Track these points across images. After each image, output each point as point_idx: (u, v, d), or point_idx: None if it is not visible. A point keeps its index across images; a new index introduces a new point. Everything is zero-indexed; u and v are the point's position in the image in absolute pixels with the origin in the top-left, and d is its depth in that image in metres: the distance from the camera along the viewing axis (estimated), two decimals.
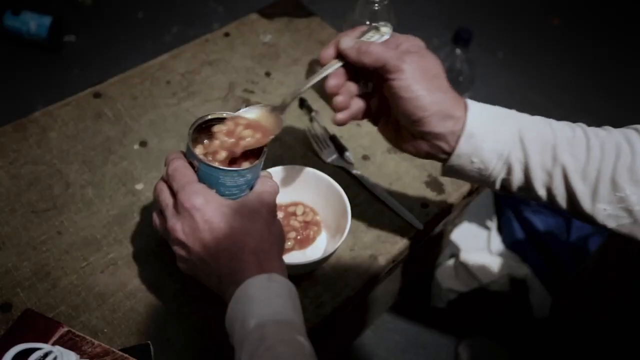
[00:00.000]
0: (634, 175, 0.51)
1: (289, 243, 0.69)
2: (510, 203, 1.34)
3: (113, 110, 0.84)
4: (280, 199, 0.72)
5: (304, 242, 0.70)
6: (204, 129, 0.56)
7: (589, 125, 0.55)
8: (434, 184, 0.80)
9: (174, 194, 0.53)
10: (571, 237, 1.25)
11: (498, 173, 0.54)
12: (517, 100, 1.61)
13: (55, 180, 0.75)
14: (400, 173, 0.81)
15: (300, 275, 0.69)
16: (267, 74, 0.92)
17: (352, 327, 1.06)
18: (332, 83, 0.55)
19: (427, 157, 0.57)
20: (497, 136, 0.52)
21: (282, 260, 0.53)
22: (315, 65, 0.94)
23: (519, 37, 1.87)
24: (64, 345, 0.57)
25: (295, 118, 0.86)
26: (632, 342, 0.74)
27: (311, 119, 0.86)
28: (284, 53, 0.96)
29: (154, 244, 0.69)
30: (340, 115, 0.57)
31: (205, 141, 0.57)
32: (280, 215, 0.71)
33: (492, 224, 1.35)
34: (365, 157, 0.82)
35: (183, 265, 0.54)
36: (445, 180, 0.80)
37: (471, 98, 0.56)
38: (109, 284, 0.66)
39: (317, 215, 0.73)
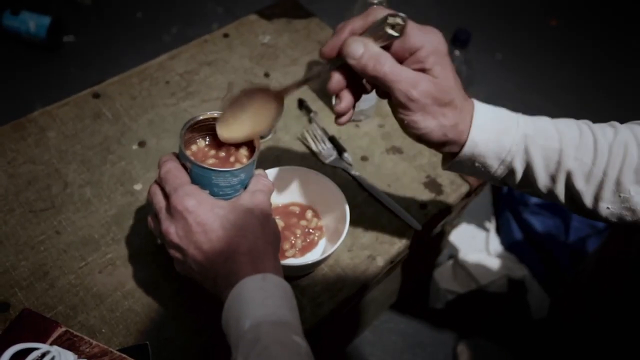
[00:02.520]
0: (639, 176, 0.51)
1: (292, 251, 0.69)
2: (509, 204, 1.34)
3: (112, 110, 0.84)
4: (280, 200, 0.72)
5: (306, 249, 0.70)
6: (196, 129, 0.56)
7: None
8: (432, 185, 0.80)
9: (167, 196, 0.52)
10: (569, 239, 1.25)
11: (500, 174, 0.54)
12: (515, 100, 1.61)
13: (54, 179, 0.75)
14: (398, 174, 0.81)
15: (299, 276, 0.69)
16: (266, 75, 0.92)
17: (351, 328, 1.06)
18: (334, 85, 0.52)
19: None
20: (501, 145, 0.52)
21: (277, 260, 0.53)
22: (313, 65, 0.94)
23: (517, 38, 1.88)
24: (61, 345, 0.56)
25: (294, 119, 0.86)
26: (630, 343, 0.74)
27: (310, 120, 0.86)
28: (282, 53, 0.96)
29: (152, 244, 0.69)
30: (343, 119, 0.54)
31: (199, 140, 0.57)
32: (281, 221, 0.71)
33: (491, 225, 1.36)
34: (364, 158, 0.82)
35: (179, 267, 0.54)
36: (444, 181, 0.80)
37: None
38: (107, 283, 0.66)
39: (320, 221, 0.72)
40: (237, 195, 0.55)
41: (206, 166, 0.52)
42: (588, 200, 0.53)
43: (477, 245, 1.31)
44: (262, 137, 0.82)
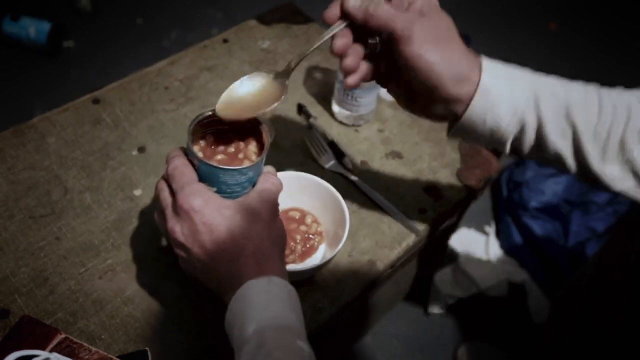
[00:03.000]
0: None
1: (292, 257, 0.69)
2: (509, 209, 1.34)
3: (111, 116, 0.84)
4: (279, 206, 0.72)
5: (305, 254, 0.70)
6: (205, 125, 0.55)
7: None
8: (432, 190, 0.80)
9: (173, 193, 0.52)
10: (569, 242, 1.25)
11: (510, 132, 0.52)
12: None
13: (54, 185, 0.75)
14: (398, 178, 0.81)
15: (299, 281, 0.68)
16: None
17: (351, 333, 1.06)
18: (339, 43, 0.51)
19: (439, 120, 0.55)
20: (513, 93, 0.50)
21: (282, 262, 0.53)
22: (314, 71, 0.94)
23: (516, 42, 1.88)
24: (61, 352, 0.56)
25: (293, 124, 0.86)
26: (630, 347, 0.74)
27: (310, 125, 0.86)
28: (282, 59, 0.96)
29: (152, 250, 0.69)
30: (351, 79, 0.53)
31: (208, 136, 0.56)
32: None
33: (491, 230, 1.36)
34: (363, 163, 0.82)
35: (184, 266, 0.54)
36: (444, 186, 0.80)
37: None
38: (107, 289, 0.66)
39: (320, 226, 0.72)
40: (246, 192, 0.54)
41: (214, 164, 0.51)
42: (594, 161, 0.52)
43: (477, 250, 1.31)
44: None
